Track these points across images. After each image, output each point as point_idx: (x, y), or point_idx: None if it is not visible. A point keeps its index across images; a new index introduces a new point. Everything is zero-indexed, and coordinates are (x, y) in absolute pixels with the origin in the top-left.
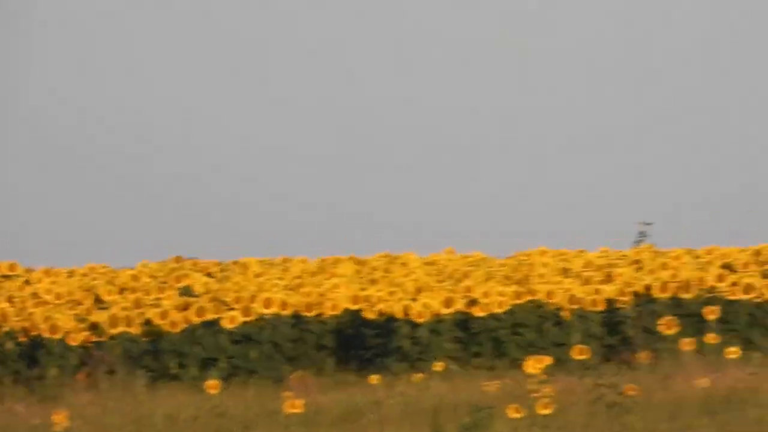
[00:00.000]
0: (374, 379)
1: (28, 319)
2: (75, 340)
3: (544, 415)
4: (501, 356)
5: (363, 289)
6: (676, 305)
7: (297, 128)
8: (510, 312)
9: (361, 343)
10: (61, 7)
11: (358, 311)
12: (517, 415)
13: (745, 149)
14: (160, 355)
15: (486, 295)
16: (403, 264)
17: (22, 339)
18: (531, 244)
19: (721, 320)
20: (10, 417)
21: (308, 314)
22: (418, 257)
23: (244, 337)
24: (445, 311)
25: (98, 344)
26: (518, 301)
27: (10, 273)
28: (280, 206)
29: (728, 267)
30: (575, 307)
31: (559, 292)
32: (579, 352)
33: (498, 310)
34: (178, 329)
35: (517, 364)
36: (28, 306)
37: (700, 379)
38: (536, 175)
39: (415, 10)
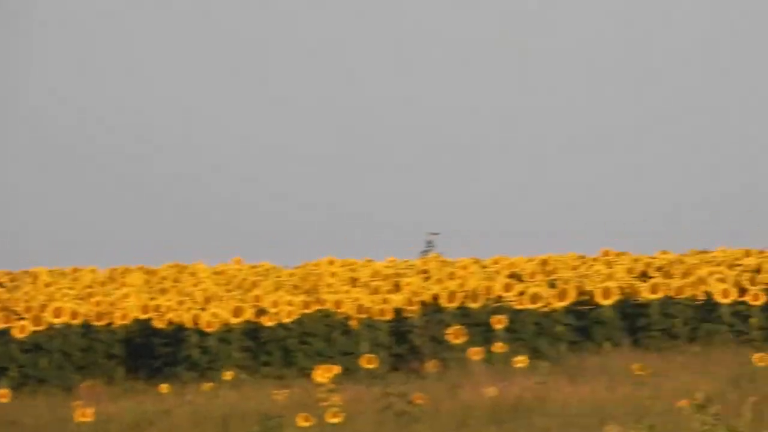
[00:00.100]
0: (164, 388)
1: None
2: None
3: (333, 424)
4: (290, 365)
5: (153, 299)
6: (463, 315)
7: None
8: (299, 321)
9: (150, 352)
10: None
11: (148, 320)
12: (307, 424)
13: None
14: None
15: (275, 304)
16: (192, 274)
17: None
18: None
19: (509, 329)
20: None
21: (98, 324)
22: (207, 267)
23: (35, 346)
24: (234, 321)
25: None
26: (307, 311)
27: None
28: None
29: (515, 276)
30: (363, 316)
31: (347, 301)
32: (367, 362)
33: (287, 320)
34: None
35: (306, 373)
36: None
37: (487, 388)
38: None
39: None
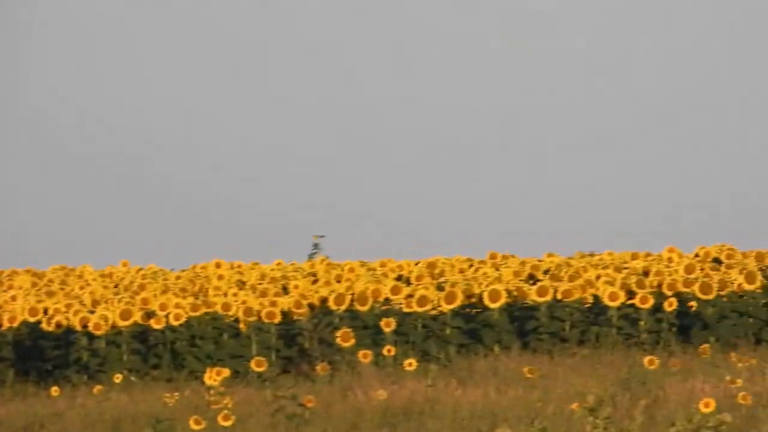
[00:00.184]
0: (55, 390)
1: None
2: None
3: (225, 427)
4: (180, 368)
5: (40, 301)
6: (352, 317)
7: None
8: (187, 324)
9: (40, 354)
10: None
11: (36, 323)
12: (198, 427)
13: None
14: None
15: (163, 307)
16: (80, 276)
17: None
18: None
19: (398, 332)
20: None
21: None
22: (94, 270)
23: None
24: (122, 323)
25: None
26: (195, 314)
27: None
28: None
29: (403, 279)
30: (252, 319)
31: (235, 304)
32: (257, 364)
33: (175, 323)
34: None
35: (196, 376)
36: None
37: (378, 390)
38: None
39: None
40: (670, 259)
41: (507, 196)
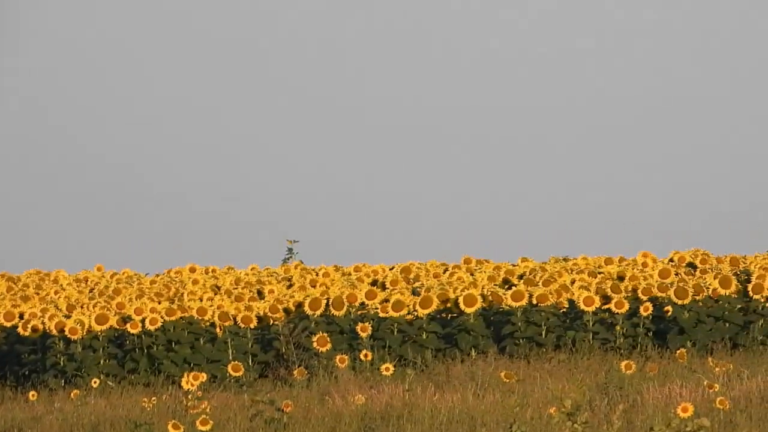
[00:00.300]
0: (32, 395)
1: None
2: None
3: (203, 431)
4: (157, 373)
5: (16, 306)
6: (328, 322)
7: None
8: (163, 329)
9: (17, 359)
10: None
11: (12, 328)
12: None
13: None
14: None
15: (138, 312)
16: (54, 281)
17: None
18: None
19: (374, 337)
20: None
21: None
22: (68, 274)
23: None
24: (98, 328)
25: None
26: (171, 318)
27: None
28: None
29: (378, 284)
30: (228, 323)
31: (211, 309)
32: (234, 369)
33: (151, 327)
34: None
35: (173, 380)
36: None
37: (356, 395)
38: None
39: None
40: (644, 264)
41: (481, 200)
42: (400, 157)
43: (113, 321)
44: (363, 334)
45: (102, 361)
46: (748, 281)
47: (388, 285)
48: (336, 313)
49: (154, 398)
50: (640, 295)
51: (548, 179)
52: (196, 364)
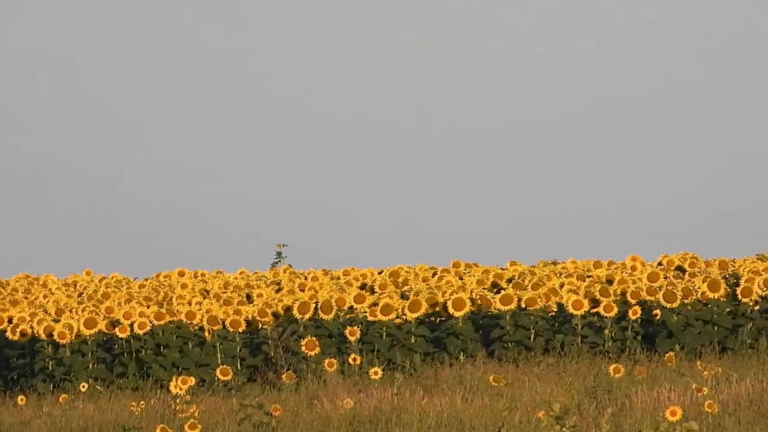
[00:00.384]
0: (21, 399)
1: None
2: None
3: None
4: (146, 377)
5: (4, 310)
6: (317, 326)
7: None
8: (152, 333)
9: (5, 363)
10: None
11: (1, 332)
12: None
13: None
14: None
15: (127, 316)
16: (43, 285)
17: None
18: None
19: (363, 341)
20: None
21: None
22: (57, 279)
23: None
24: (87, 332)
25: None
26: (159, 322)
27: None
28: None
29: (367, 288)
30: (216, 327)
31: (199, 313)
32: (222, 373)
33: (140, 331)
34: None
35: (161, 384)
36: None
37: (344, 399)
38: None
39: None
40: (633, 268)
41: (470, 204)
42: (390, 161)
43: (102, 325)
44: (352, 338)
45: (90, 366)
46: (737, 284)
47: (376, 289)
48: (325, 316)
49: (142, 402)
50: (628, 298)
51: (538, 183)
52: (185, 368)
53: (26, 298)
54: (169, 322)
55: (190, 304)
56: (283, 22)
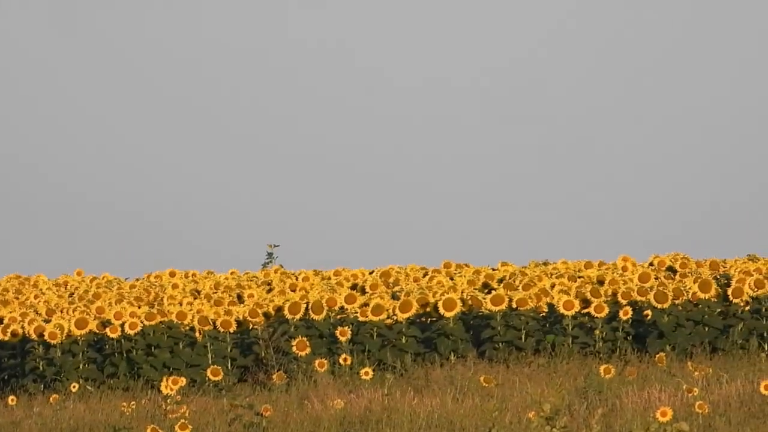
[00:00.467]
0: (12, 400)
1: None
2: None
3: None
4: (136, 377)
5: None
6: (308, 326)
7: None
8: (143, 333)
9: None
10: None
11: None
12: None
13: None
14: None
15: (118, 316)
16: (34, 285)
17: None
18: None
19: (354, 341)
20: None
21: None
22: (48, 279)
23: None
24: (78, 332)
25: None
26: (150, 323)
27: None
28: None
29: (358, 288)
30: (207, 328)
31: (190, 313)
32: (213, 373)
33: (131, 332)
34: None
35: (152, 384)
36: None
37: (335, 400)
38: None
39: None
40: (624, 268)
41: (461, 204)
42: (381, 162)
43: (93, 325)
44: (342, 339)
45: (81, 366)
46: (728, 285)
47: (367, 289)
48: (315, 317)
49: (133, 403)
50: (619, 299)
51: (529, 183)
52: (176, 369)
53: (17, 298)
54: (160, 322)
55: (181, 305)
56: (281, 22)
